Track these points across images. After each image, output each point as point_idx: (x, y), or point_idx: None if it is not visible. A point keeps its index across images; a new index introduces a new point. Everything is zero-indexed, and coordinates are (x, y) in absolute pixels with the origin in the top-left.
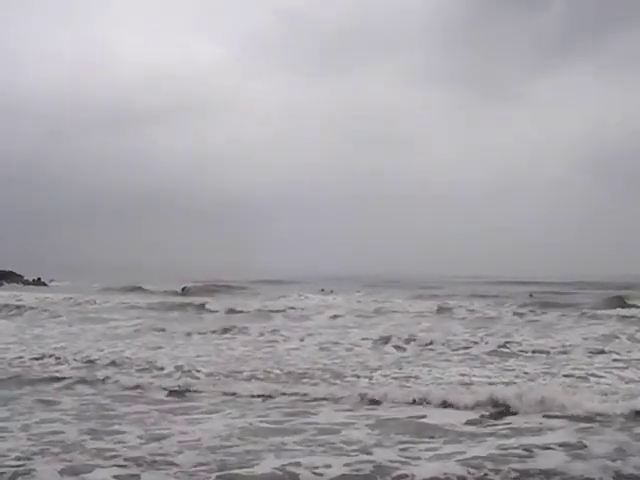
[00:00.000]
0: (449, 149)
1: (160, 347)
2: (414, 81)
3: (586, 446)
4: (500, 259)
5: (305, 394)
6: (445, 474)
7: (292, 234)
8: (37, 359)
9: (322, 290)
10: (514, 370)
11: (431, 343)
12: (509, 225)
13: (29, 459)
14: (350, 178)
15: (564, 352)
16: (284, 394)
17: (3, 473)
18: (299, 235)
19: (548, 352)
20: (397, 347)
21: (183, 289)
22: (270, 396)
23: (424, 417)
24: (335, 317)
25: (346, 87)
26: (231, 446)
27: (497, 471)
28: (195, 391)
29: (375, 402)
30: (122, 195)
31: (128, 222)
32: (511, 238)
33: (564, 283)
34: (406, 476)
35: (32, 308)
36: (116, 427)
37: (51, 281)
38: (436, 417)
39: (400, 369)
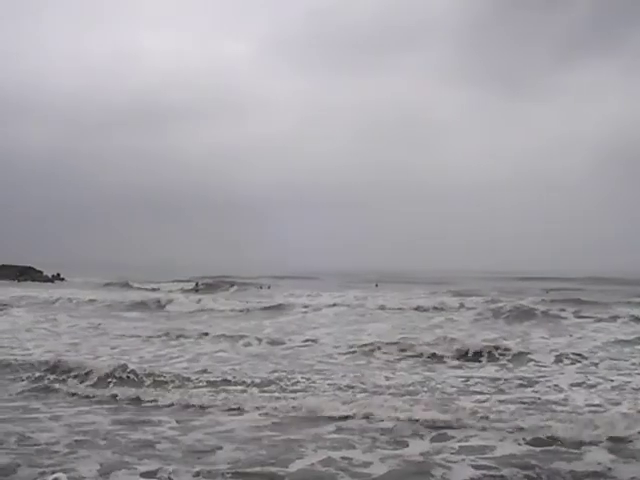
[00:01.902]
0: (473, 146)
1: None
2: (439, 79)
3: None
4: (523, 255)
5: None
6: None
7: (314, 230)
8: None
9: (349, 287)
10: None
11: (454, 342)
12: (532, 221)
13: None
14: (373, 175)
15: (587, 354)
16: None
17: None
18: (321, 231)
19: (569, 354)
20: (419, 353)
21: (196, 285)
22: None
23: None
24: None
25: (371, 85)
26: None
27: None
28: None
29: None
30: (143, 193)
31: (149, 220)
32: (536, 234)
33: (583, 279)
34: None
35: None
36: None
37: (63, 279)
38: None
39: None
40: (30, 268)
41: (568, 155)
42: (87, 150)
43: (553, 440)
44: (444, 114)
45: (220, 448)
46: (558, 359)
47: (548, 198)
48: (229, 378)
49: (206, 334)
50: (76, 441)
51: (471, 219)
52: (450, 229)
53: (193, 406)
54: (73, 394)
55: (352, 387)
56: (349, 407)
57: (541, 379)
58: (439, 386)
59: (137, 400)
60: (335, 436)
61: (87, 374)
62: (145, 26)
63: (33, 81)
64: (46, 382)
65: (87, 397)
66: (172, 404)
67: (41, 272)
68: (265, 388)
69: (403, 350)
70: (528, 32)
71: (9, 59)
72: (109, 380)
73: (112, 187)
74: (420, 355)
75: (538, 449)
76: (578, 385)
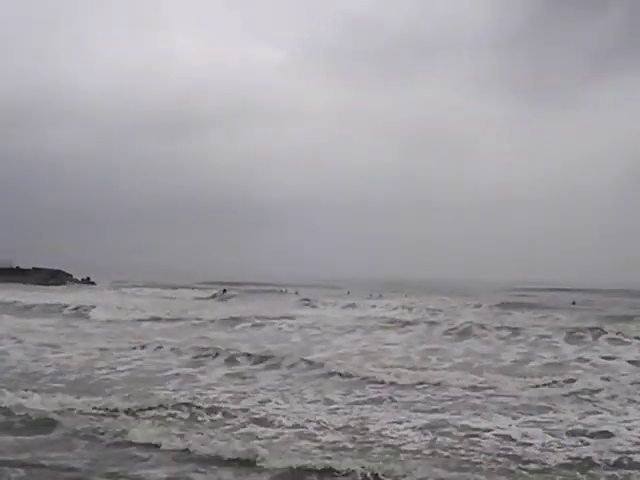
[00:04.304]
0: (504, 158)
1: None
2: (469, 88)
3: None
4: (554, 267)
5: None
6: None
7: (339, 240)
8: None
9: (370, 295)
10: None
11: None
12: (561, 232)
13: None
14: (401, 182)
15: None
16: None
17: None
18: (347, 241)
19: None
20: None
21: (224, 291)
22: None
23: None
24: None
25: (403, 96)
26: None
27: None
28: None
29: None
30: (173, 197)
31: (178, 224)
32: (566, 245)
33: (609, 291)
34: None
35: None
36: None
37: (93, 283)
38: None
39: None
40: (60, 271)
41: (601, 169)
42: (115, 154)
43: None
44: (475, 126)
45: None
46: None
47: (579, 211)
48: None
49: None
50: None
51: (500, 231)
52: (478, 241)
53: None
54: None
55: None
56: None
57: None
58: None
59: None
60: None
61: None
62: (179, 32)
63: (64, 84)
64: None
65: None
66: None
67: (71, 275)
68: None
69: None
70: (562, 45)
71: (43, 63)
72: None
73: (143, 191)
74: None
75: None
76: None
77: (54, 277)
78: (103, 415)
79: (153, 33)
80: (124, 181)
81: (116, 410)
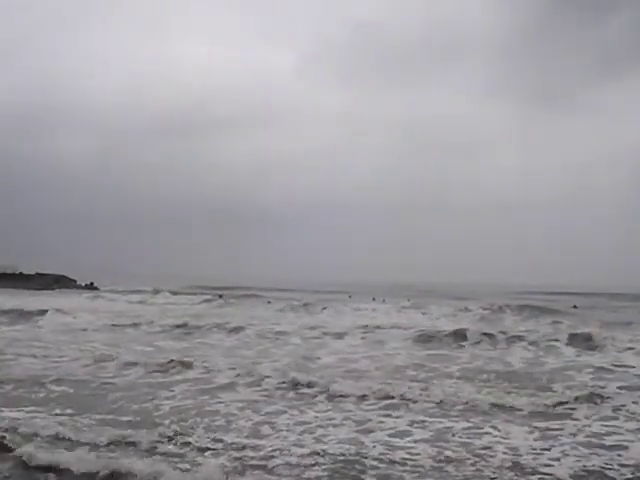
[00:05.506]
0: (512, 162)
1: None
2: (476, 91)
3: None
4: (557, 271)
5: None
6: None
7: (347, 239)
8: None
9: (373, 299)
10: None
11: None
12: (566, 234)
13: None
14: (407, 185)
15: None
16: None
17: None
18: (355, 240)
19: None
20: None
21: (220, 296)
22: None
23: None
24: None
25: (412, 100)
26: None
27: None
28: None
29: None
30: (178, 199)
31: (187, 228)
32: (571, 247)
33: (612, 294)
34: None
35: None
36: None
37: (96, 288)
38: None
39: None
40: (64, 277)
41: (607, 172)
42: (125, 159)
43: None
44: (484, 130)
45: None
46: None
47: (585, 214)
48: None
49: None
50: None
51: (504, 234)
52: (482, 244)
53: None
54: None
55: None
56: None
57: None
58: None
59: None
60: None
61: None
62: (185, 35)
63: (68, 86)
64: None
65: None
66: None
67: (74, 281)
68: None
69: None
70: (569, 48)
71: (45, 63)
72: None
73: (150, 196)
74: None
75: None
76: None
77: (57, 282)
78: None
79: (160, 36)
80: (128, 183)
81: None
